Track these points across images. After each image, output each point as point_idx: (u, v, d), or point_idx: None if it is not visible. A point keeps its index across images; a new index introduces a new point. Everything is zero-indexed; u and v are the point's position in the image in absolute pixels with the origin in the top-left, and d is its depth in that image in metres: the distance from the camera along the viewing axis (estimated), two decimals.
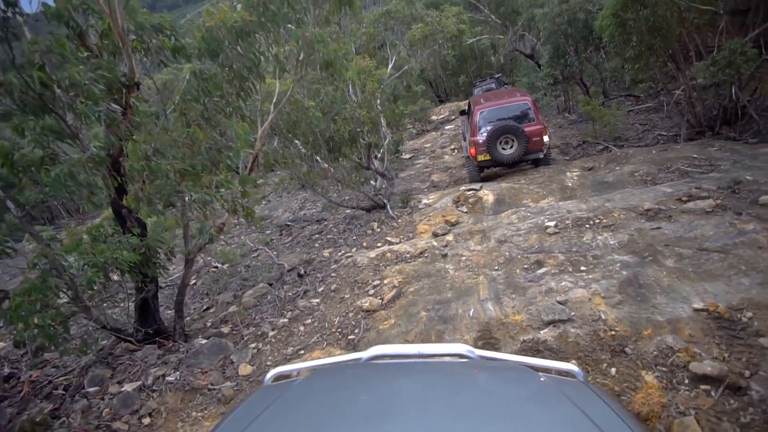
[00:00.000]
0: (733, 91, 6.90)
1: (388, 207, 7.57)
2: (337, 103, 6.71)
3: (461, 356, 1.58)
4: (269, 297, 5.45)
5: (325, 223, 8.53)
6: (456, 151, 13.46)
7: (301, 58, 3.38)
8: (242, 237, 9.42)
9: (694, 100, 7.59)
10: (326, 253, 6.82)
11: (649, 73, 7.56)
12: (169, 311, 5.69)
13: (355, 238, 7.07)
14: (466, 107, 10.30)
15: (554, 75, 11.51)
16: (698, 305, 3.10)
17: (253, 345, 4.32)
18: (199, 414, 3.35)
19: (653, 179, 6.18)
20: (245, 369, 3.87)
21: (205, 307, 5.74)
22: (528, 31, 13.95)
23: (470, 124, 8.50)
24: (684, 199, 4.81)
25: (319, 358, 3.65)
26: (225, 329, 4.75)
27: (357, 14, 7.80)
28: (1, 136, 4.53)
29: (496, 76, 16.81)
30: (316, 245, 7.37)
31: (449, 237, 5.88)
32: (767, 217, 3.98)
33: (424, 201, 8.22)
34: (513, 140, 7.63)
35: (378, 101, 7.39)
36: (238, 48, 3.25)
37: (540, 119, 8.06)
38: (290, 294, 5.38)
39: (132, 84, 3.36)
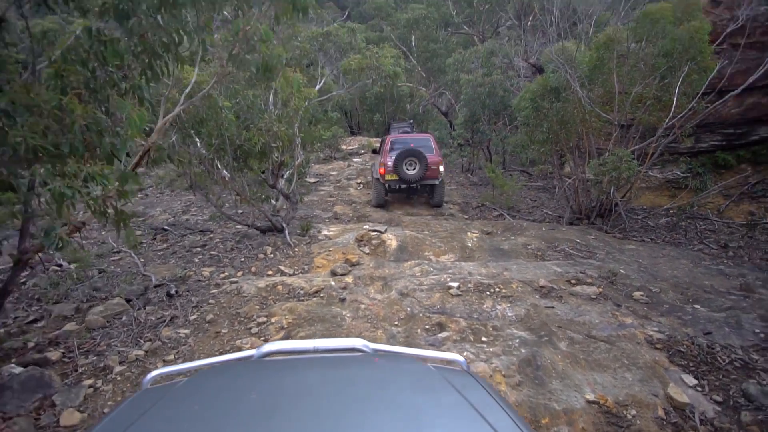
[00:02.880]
0: (611, 191, 7.89)
1: (287, 232, 6.99)
2: (255, 111, 6.10)
3: (356, 350, 1.61)
4: (124, 318, 4.45)
5: (211, 235, 7.57)
6: (362, 186, 13.39)
7: (234, 53, 2.84)
8: (103, 232, 7.93)
9: (580, 190, 8.53)
10: (206, 272, 5.95)
11: (550, 158, 8.33)
12: None
13: (243, 260, 6.32)
14: (379, 145, 11.51)
15: (465, 137, 12.23)
16: (590, 396, 3.16)
17: (88, 382, 3.38)
18: None
19: (543, 255, 6.63)
20: (71, 417, 2.94)
21: (31, 318, 4.48)
22: (448, 91, 14.80)
23: (382, 150, 10.05)
24: (573, 281, 5.16)
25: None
26: (53, 354, 3.68)
27: (297, 24, 7.37)
28: None
29: (410, 122, 17.96)
30: (196, 260, 6.42)
31: (348, 279, 5.53)
32: (642, 313, 4.39)
33: (325, 232, 7.81)
34: (416, 163, 9.07)
35: (299, 120, 6.93)
36: (159, 18, 2.61)
37: (438, 152, 9.69)
38: (153, 318, 4.46)
39: None
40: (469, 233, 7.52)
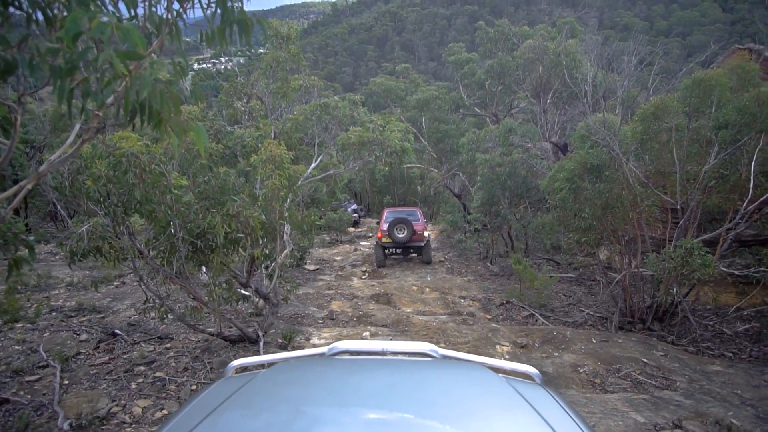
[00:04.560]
0: (675, 290, 6.26)
1: (261, 344, 5.41)
2: (228, 192, 4.87)
3: (425, 355, 1.62)
4: None
5: (168, 344, 5.99)
6: (367, 274, 11.89)
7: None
8: (37, 330, 6.45)
9: (631, 288, 6.90)
10: (139, 407, 4.32)
11: (591, 248, 6.83)
12: None
13: (195, 387, 4.69)
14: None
15: (483, 221, 10.91)
16: None
17: None
18: None
19: (603, 383, 4.88)
20: None
21: None
22: (461, 172, 13.83)
23: (380, 220, 12.69)
24: None
25: None
26: None
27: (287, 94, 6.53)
28: None
29: (352, 201, 23.68)
30: (133, 386, 4.79)
31: None
32: None
33: (314, 341, 6.22)
34: (404, 228, 11.26)
35: (287, 203, 5.68)
36: None
37: (423, 221, 12.04)
38: None
39: None
40: (498, 346, 5.83)
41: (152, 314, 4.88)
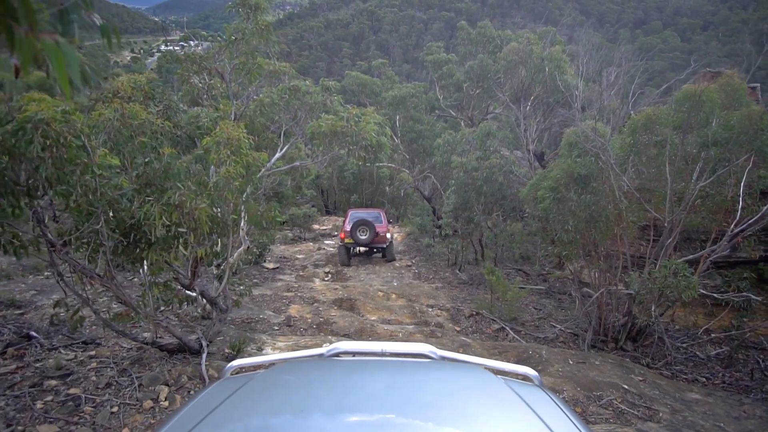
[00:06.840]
0: (653, 309, 6.00)
1: (204, 356, 4.67)
2: (172, 178, 4.11)
3: (424, 356, 1.62)
4: None
5: (93, 352, 5.12)
6: (330, 276, 11.23)
7: None
8: None
9: (606, 306, 6.61)
10: None
11: (570, 262, 6.49)
12: None
13: (115, 410, 3.90)
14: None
15: (454, 226, 10.48)
16: None
17: None
18: None
19: (584, 412, 4.47)
20: None
21: None
22: (433, 174, 13.39)
23: (343, 220, 12.73)
24: None
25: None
26: None
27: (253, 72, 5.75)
28: None
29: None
30: (38, 405, 3.94)
31: None
32: None
33: (267, 351, 5.54)
34: (367, 230, 11.48)
35: (244, 195, 4.96)
36: None
37: (386, 223, 12.28)
38: None
39: None
40: None
41: (62, 312, 4.06)
